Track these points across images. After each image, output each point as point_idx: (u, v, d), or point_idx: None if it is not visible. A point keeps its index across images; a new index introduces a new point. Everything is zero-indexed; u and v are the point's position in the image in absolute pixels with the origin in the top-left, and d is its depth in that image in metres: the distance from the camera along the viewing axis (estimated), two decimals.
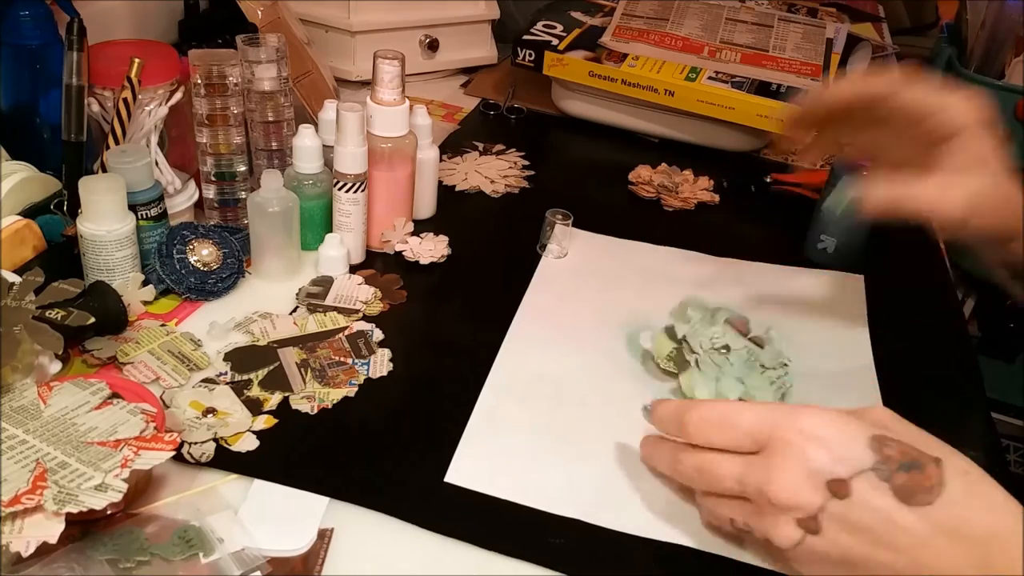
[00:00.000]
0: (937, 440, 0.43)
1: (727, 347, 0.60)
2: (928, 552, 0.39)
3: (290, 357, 0.60)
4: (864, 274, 0.75)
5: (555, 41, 0.97)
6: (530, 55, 0.96)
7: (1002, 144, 0.52)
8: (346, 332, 0.63)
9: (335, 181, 0.68)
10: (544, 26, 1.01)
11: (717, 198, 0.87)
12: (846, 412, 0.44)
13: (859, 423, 0.43)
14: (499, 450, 0.55)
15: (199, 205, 0.72)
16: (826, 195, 0.75)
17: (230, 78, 0.67)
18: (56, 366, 0.54)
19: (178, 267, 0.64)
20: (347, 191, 0.68)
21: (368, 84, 0.71)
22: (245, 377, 0.58)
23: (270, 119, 0.71)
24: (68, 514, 0.42)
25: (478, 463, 0.53)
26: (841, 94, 0.56)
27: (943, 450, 0.42)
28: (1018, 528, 0.39)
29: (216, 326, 0.62)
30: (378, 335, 0.64)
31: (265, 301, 0.66)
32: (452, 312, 0.68)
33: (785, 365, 0.61)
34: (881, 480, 0.40)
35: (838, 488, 0.40)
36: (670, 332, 0.62)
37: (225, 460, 0.52)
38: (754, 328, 0.62)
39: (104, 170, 0.64)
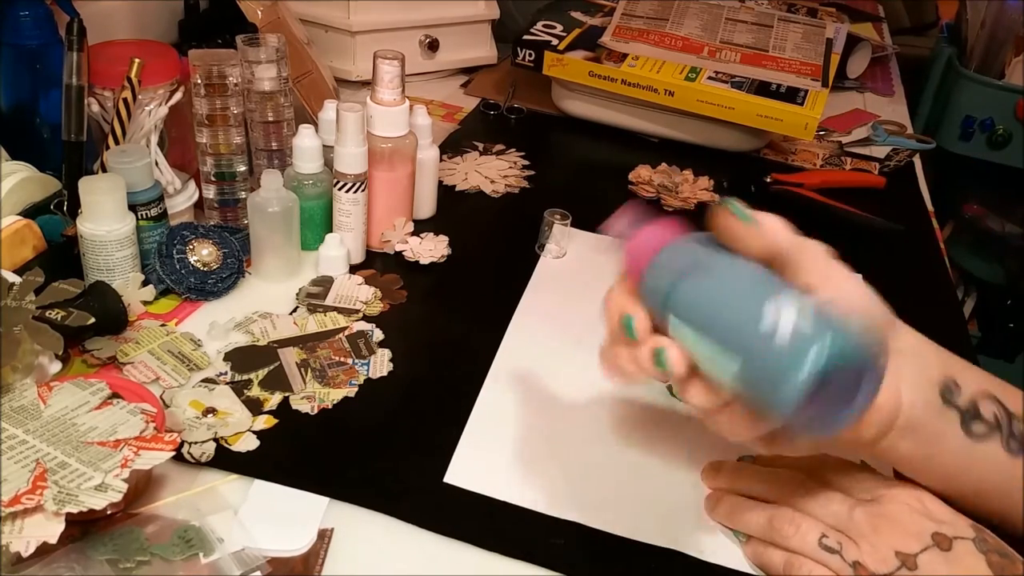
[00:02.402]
0: None
1: None
2: None
3: (290, 357, 0.60)
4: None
5: (555, 41, 0.97)
6: (530, 55, 0.96)
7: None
8: (346, 332, 0.63)
9: (335, 181, 0.68)
10: (544, 26, 1.01)
11: (717, 198, 0.87)
12: None
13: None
14: (498, 451, 0.55)
15: (199, 205, 0.72)
16: None
17: (230, 78, 0.67)
18: (56, 366, 0.54)
19: (178, 267, 0.64)
20: (347, 191, 0.68)
21: (368, 84, 0.71)
22: (245, 377, 0.58)
23: (270, 119, 0.71)
24: (68, 514, 0.42)
25: (477, 464, 0.53)
26: None
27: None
28: None
29: (216, 326, 0.62)
30: (378, 335, 0.64)
31: (265, 301, 0.66)
32: (452, 312, 0.68)
33: None
34: (979, 551, 0.43)
35: (941, 541, 0.44)
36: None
37: (225, 460, 0.52)
38: None
39: (104, 170, 0.64)
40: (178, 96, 0.68)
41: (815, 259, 0.43)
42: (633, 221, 0.44)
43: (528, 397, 0.59)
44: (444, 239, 0.74)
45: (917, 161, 1.00)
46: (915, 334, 0.48)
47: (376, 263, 0.72)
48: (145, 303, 0.64)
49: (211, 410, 0.55)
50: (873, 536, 0.45)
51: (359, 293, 0.68)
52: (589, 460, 0.55)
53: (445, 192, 0.83)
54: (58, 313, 0.55)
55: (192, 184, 0.72)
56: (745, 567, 0.48)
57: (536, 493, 0.52)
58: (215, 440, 0.53)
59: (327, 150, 0.70)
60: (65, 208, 0.64)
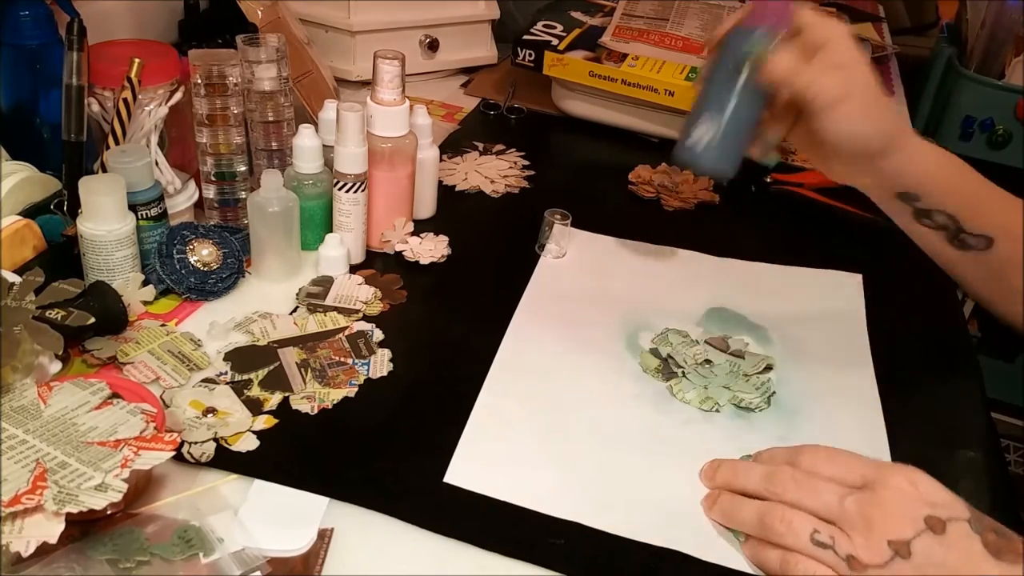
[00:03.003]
0: None
1: (709, 361, 0.64)
2: None
3: (290, 357, 0.60)
4: (862, 274, 0.76)
5: (555, 41, 0.97)
6: (530, 55, 0.96)
7: (864, 53, 0.59)
8: (346, 332, 0.63)
9: (335, 181, 0.68)
10: (544, 26, 1.01)
11: (717, 198, 0.87)
12: None
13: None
14: (498, 451, 0.55)
15: (199, 205, 0.72)
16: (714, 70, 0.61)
17: (230, 78, 0.67)
18: (56, 366, 0.54)
19: (178, 267, 0.64)
20: (347, 191, 0.68)
21: (368, 84, 0.71)
22: (245, 377, 0.58)
23: (270, 119, 0.71)
24: (68, 514, 0.42)
25: (477, 464, 0.53)
26: (735, 18, 0.62)
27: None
28: None
29: (216, 326, 0.62)
30: (378, 335, 0.64)
31: (265, 301, 0.66)
32: (452, 312, 0.68)
33: (770, 368, 0.63)
34: (974, 532, 0.43)
35: (935, 524, 0.44)
36: (654, 352, 0.64)
37: (225, 460, 0.52)
38: (732, 344, 0.65)
39: (104, 170, 0.64)
40: (178, 96, 0.68)
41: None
42: None
43: (528, 397, 0.59)
44: (444, 239, 0.74)
45: None
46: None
47: (376, 263, 0.72)
48: (145, 303, 0.64)
49: (211, 410, 0.55)
50: (865, 527, 0.45)
51: (359, 293, 0.68)
52: (588, 460, 0.55)
53: (445, 192, 0.83)
54: (58, 313, 0.55)
55: (192, 184, 0.72)
56: (744, 567, 0.48)
57: (535, 493, 0.51)
58: (215, 440, 0.53)
59: (327, 150, 0.70)
60: (65, 208, 0.64)
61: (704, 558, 0.49)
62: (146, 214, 0.64)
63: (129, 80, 0.63)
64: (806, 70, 0.57)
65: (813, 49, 0.58)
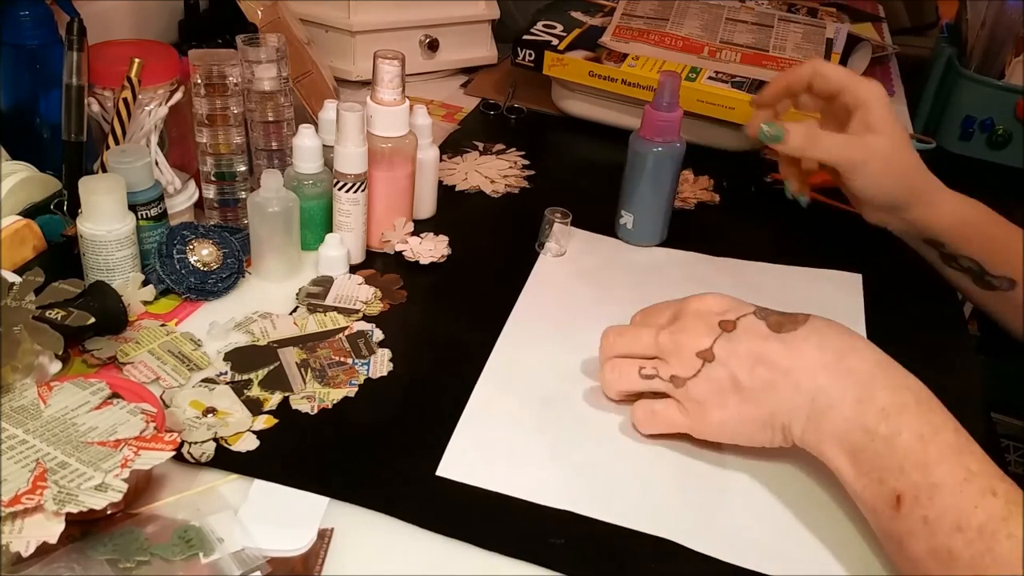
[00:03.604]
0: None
1: None
2: (796, 358, 0.49)
3: (290, 357, 0.60)
4: (862, 274, 0.76)
5: (555, 41, 0.97)
6: (530, 55, 0.96)
7: (896, 116, 0.65)
8: (346, 332, 0.63)
9: (335, 181, 0.68)
10: (544, 26, 1.01)
11: (717, 198, 0.87)
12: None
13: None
14: (491, 444, 0.55)
15: (199, 205, 0.72)
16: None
17: (230, 78, 0.67)
18: (56, 366, 0.54)
19: (178, 267, 0.64)
20: (347, 191, 0.68)
21: (368, 84, 0.71)
22: (245, 377, 0.58)
23: (270, 119, 0.71)
24: (68, 514, 0.42)
25: (469, 456, 0.53)
26: (779, 80, 0.71)
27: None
28: (870, 345, 0.50)
29: (216, 326, 0.62)
30: (378, 335, 0.64)
31: (265, 301, 0.66)
32: (452, 312, 0.68)
33: None
34: (759, 319, 0.52)
35: (726, 325, 0.52)
36: None
37: (225, 460, 0.52)
38: None
39: (104, 170, 0.64)
40: (178, 96, 0.68)
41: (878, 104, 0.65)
42: None
43: (523, 393, 0.59)
44: (444, 239, 0.74)
45: None
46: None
47: (376, 263, 0.72)
48: (145, 303, 0.64)
49: (211, 410, 0.55)
50: (676, 350, 0.53)
51: (359, 293, 0.68)
52: (583, 454, 0.55)
53: (445, 192, 0.83)
54: (58, 313, 0.55)
55: (192, 184, 0.72)
56: (739, 559, 0.48)
57: (535, 488, 0.52)
58: (215, 440, 0.53)
59: (327, 150, 0.70)
60: (65, 208, 0.64)
61: (697, 548, 0.49)
62: (146, 214, 0.64)
63: (129, 80, 0.63)
64: (822, 140, 0.65)
65: (848, 111, 0.65)
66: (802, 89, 0.70)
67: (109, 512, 0.46)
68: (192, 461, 0.51)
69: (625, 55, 0.95)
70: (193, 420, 0.54)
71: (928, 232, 0.68)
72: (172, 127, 0.71)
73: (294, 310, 0.66)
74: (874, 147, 0.64)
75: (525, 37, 0.98)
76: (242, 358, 0.60)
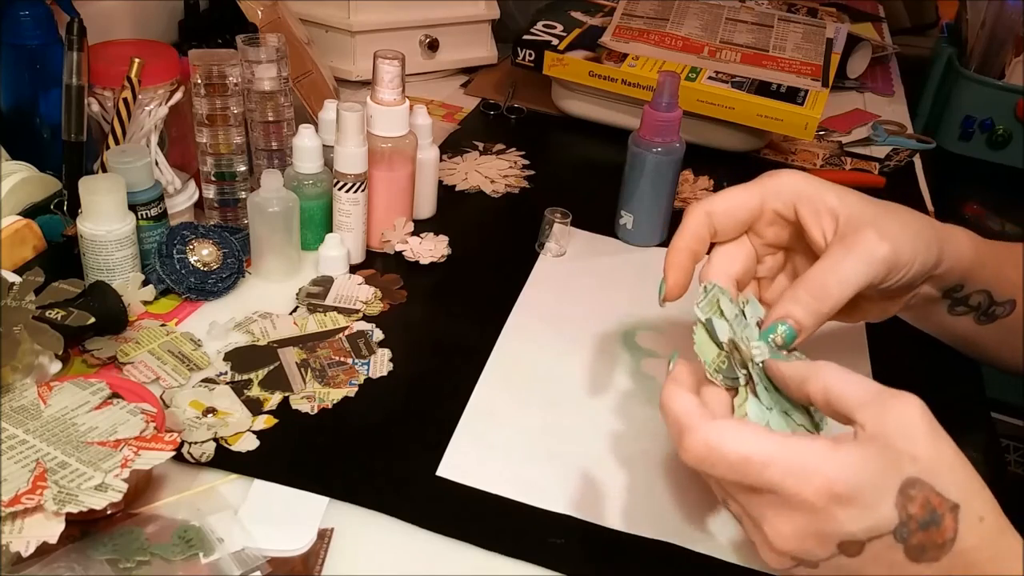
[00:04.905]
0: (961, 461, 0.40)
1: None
2: None
3: (290, 357, 0.60)
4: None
5: (555, 41, 0.97)
6: (530, 55, 0.96)
7: (842, 190, 0.51)
8: (346, 332, 0.63)
9: (335, 181, 0.68)
10: (544, 26, 1.01)
11: None
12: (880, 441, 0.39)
13: (896, 461, 0.38)
14: (492, 445, 0.55)
15: (199, 205, 0.72)
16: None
17: (230, 78, 0.67)
18: (56, 366, 0.54)
19: (178, 267, 0.64)
20: (347, 191, 0.68)
21: (368, 84, 0.71)
22: (245, 377, 0.58)
23: (270, 119, 0.71)
24: (68, 514, 0.42)
25: (469, 457, 0.54)
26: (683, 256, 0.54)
27: (969, 482, 0.39)
28: None
29: (216, 326, 0.62)
30: (378, 335, 0.64)
31: (265, 301, 0.66)
32: (452, 312, 0.68)
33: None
34: (897, 542, 0.38)
35: (850, 548, 0.38)
36: (711, 334, 0.49)
37: (225, 460, 0.52)
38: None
39: (104, 170, 0.64)
40: (178, 96, 0.68)
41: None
42: None
43: (523, 393, 0.59)
44: (444, 239, 0.74)
45: (917, 161, 1.00)
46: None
47: (376, 263, 0.72)
48: (145, 303, 0.64)
49: (211, 410, 0.55)
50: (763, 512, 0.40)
51: (359, 293, 0.68)
52: (583, 456, 0.55)
53: (445, 192, 0.83)
54: (58, 313, 0.55)
55: (192, 184, 0.72)
56: (739, 559, 0.48)
57: (535, 489, 0.52)
58: (215, 440, 0.53)
59: (327, 150, 0.70)
60: (65, 208, 0.64)
61: (698, 550, 0.49)
62: (146, 214, 0.64)
63: (129, 80, 0.63)
64: (829, 286, 0.49)
65: (795, 239, 0.54)
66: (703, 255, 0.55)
67: (109, 512, 0.46)
68: (192, 461, 0.51)
69: (625, 55, 0.95)
70: (193, 420, 0.54)
71: (956, 273, 0.56)
72: (172, 127, 0.71)
73: (294, 310, 0.66)
74: (872, 235, 0.49)
75: (525, 37, 0.98)
76: (242, 358, 0.60)
